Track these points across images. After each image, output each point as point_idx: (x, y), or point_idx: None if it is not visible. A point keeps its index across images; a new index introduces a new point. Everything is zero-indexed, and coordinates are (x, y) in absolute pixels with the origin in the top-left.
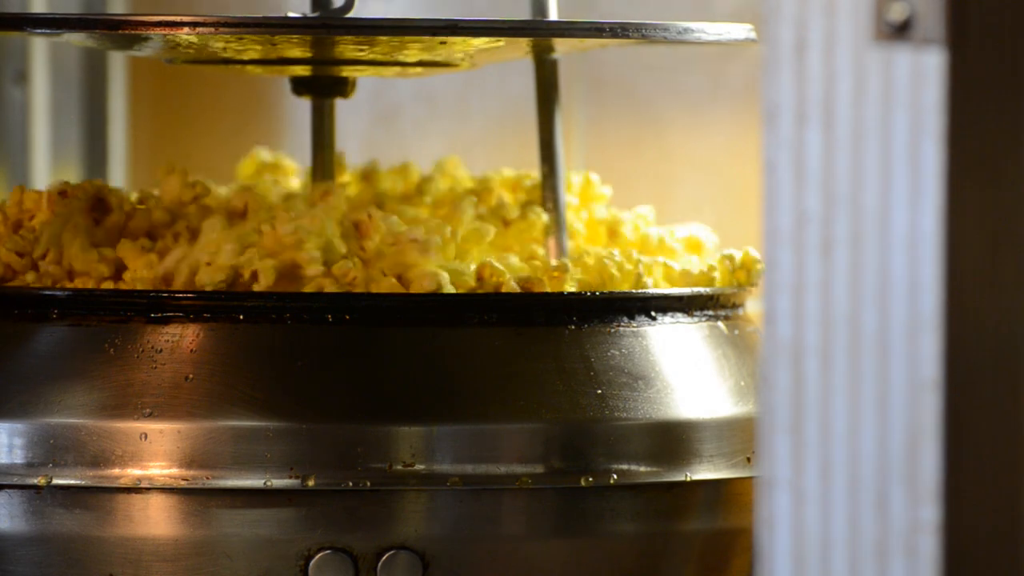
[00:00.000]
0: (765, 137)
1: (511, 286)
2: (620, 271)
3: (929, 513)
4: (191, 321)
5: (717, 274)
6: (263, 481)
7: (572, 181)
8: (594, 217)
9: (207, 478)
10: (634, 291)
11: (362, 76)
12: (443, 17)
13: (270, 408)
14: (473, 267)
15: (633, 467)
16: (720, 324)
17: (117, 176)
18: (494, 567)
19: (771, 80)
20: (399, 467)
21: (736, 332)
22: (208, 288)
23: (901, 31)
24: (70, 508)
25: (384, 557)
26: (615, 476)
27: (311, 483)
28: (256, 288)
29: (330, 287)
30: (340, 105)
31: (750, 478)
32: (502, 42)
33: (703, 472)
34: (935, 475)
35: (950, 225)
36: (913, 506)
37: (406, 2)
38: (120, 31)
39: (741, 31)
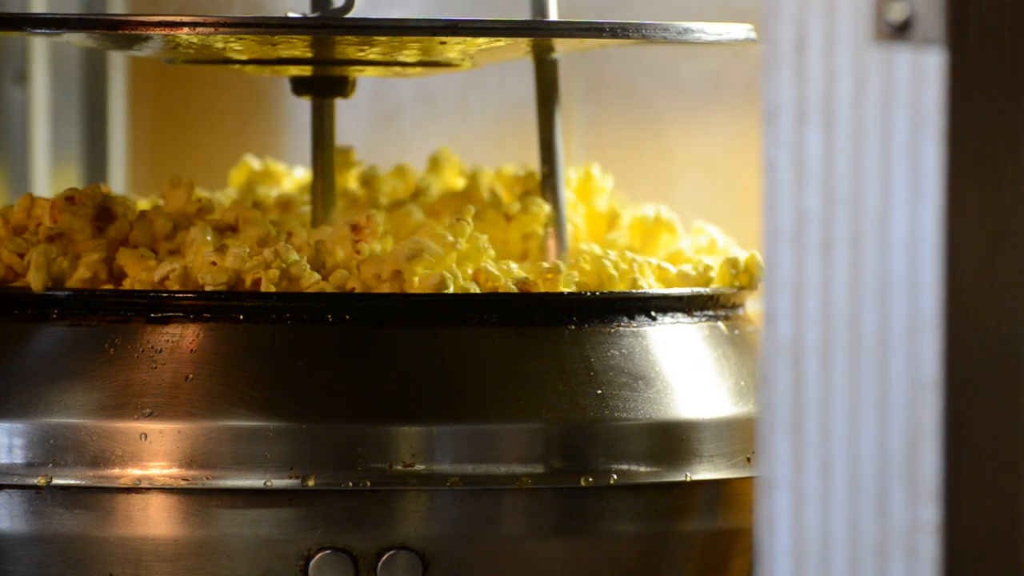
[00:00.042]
0: (765, 137)
1: (508, 288)
2: (617, 271)
3: (929, 513)
4: (191, 321)
5: (715, 273)
6: (263, 481)
7: (570, 177)
8: (594, 210)
9: (207, 478)
10: (634, 291)
11: (362, 76)
12: (443, 17)
13: (270, 408)
14: (470, 271)
15: (633, 467)
16: (720, 324)
17: (117, 176)
18: (494, 567)
19: (771, 80)
20: (399, 467)
21: (736, 332)
22: (209, 288)
23: (901, 31)
24: (70, 508)
25: (384, 557)
26: (615, 476)
27: (311, 483)
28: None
29: (330, 287)
30: (340, 105)
31: (750, 478)
32: (502, 42)
33: (703, 472)
34: (935, 475)
35: (950, 225)
36: (913, 506)
37: (407, 1)
38: (120, 31)
39: (741, 31)
